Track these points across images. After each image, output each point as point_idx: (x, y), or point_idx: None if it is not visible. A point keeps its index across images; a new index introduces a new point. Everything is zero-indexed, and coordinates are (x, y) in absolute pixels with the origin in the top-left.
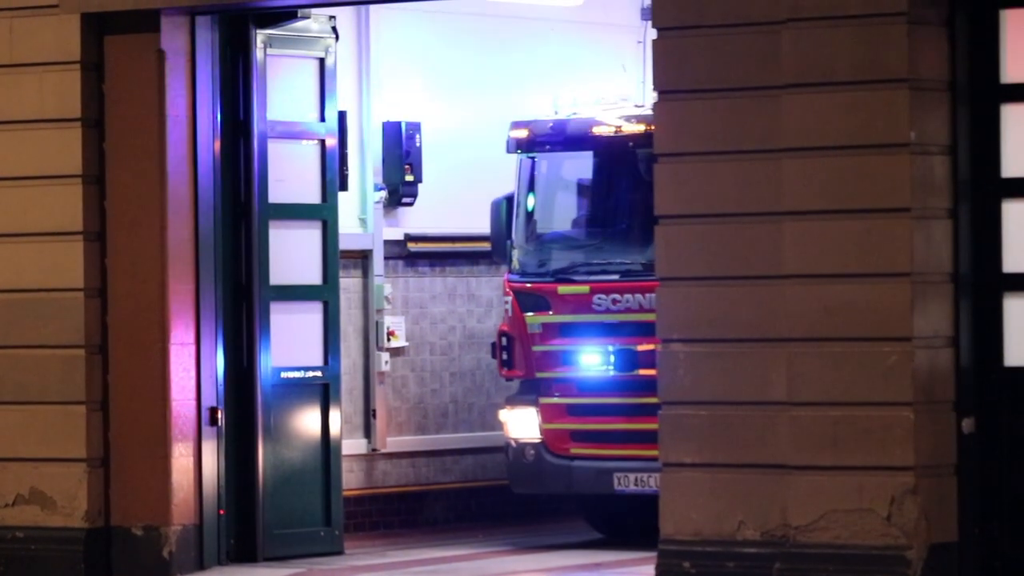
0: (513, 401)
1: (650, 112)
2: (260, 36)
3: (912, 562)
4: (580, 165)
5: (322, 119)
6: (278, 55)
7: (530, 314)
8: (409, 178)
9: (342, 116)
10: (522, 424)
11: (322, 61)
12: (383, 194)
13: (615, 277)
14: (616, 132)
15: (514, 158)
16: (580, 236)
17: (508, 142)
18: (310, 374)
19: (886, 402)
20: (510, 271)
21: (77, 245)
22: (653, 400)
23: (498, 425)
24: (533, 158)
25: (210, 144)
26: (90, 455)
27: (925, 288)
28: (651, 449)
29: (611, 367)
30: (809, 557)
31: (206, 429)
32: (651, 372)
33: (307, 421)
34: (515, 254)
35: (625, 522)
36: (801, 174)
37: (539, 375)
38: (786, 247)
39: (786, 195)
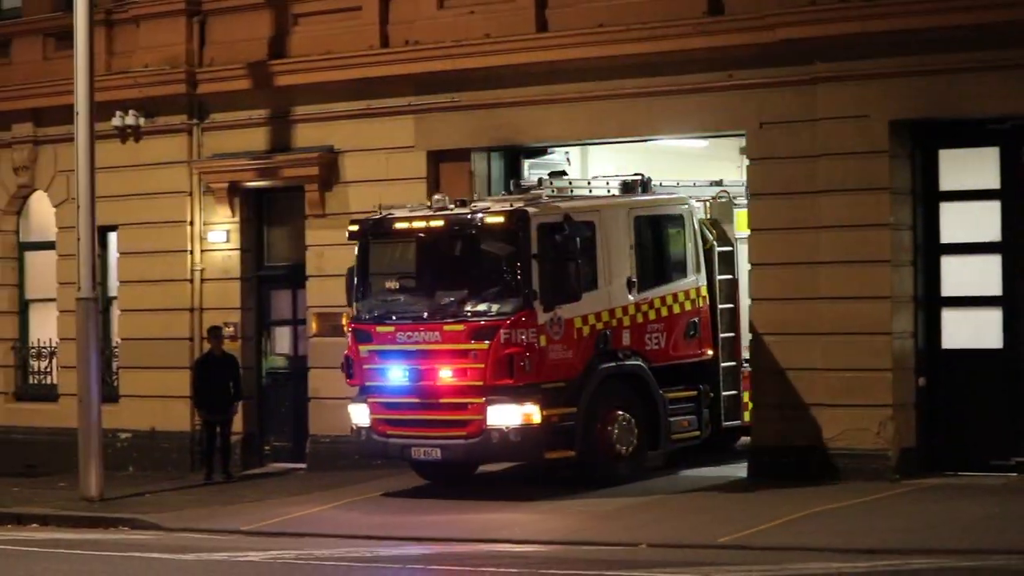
0: (354, 400)
1: (437, 211)
2: (526, 163)
3: (891, 458)
4: (390, 248)
5: None
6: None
7: (361, 344)
8: None
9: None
10: (359, 415)
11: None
12: None
13: (410, 321)
14: (409, 226)
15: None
16: (390, 295)
17: (347, 232)
18: None
19: (876, 368)
20: (351, 317)
21: None
22: (434, 400)
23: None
24: (362, 243)
25: None
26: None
27: (898, 305)
28: (431, 432)
29: (407, 379)
30: (834, 455)
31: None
32: (432, 383)
33: None
34: (354, 306)
35: (441, 475)
36: (830, 241)
37: (367, 384)
38: (821, 282)
39: (822, 252)
